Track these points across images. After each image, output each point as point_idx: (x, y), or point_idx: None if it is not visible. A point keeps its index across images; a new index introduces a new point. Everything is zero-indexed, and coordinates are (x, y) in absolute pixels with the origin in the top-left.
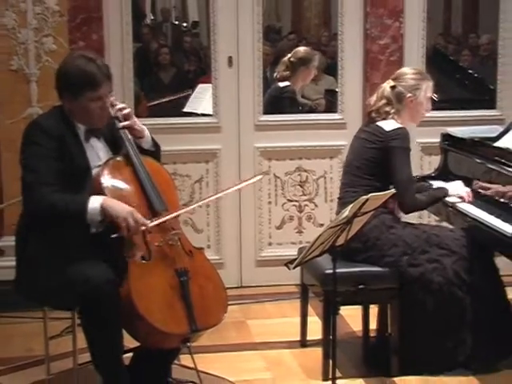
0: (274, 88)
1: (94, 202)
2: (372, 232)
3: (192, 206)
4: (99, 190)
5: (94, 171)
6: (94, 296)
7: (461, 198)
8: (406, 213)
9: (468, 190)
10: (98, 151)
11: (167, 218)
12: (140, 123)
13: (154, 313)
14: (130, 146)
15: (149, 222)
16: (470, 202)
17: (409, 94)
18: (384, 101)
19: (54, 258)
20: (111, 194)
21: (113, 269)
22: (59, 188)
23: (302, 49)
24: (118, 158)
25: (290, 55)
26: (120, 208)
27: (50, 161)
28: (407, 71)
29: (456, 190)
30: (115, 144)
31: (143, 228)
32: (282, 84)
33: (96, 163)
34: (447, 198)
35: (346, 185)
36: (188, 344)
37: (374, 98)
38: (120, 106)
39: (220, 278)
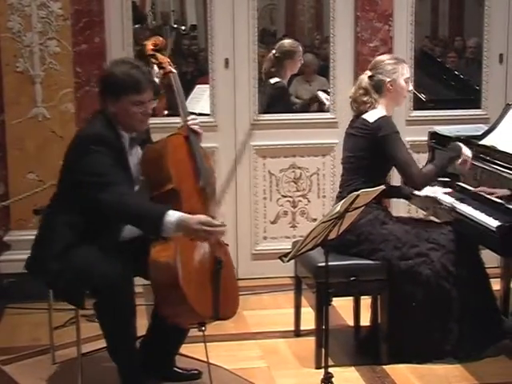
0: (265, 86)
1: (172, 216)
2: (366, 226)
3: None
4: (161, 160)
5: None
6: (108, 290)
7: (465, 161)
8: (420, 188)
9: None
10: (135, 156)
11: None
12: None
13: (191, 288)
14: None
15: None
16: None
17: (388, 79)
18: (361, 91)
19: (78, 245)
20: (172, 166)
21: (130, 263)
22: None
23: (286, 42)
24: (179, 136)
25: (274, 51)
26: (192, 228)
27: (115, 167)
28: (382, 58)
29: (467, 150)
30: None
31: (221, 229)
32: (272, 80)
33: (135, 169)
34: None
35: (345, 181)
36: (203, 328)
37: (352, 90)
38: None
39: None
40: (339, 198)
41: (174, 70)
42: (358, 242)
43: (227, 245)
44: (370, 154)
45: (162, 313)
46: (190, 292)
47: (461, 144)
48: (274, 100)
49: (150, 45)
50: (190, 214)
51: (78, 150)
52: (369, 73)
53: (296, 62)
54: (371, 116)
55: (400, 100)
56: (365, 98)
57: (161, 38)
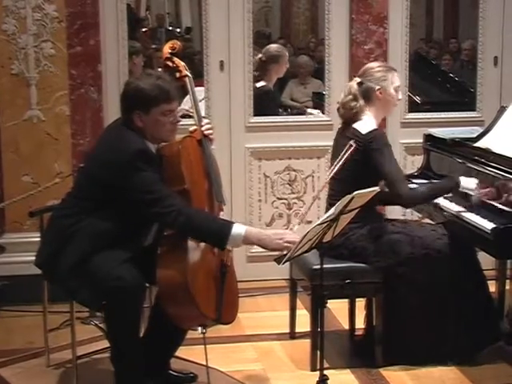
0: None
1: (238, 229)
2: (359, 241)
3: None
4: (177, 160)
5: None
6: (120, 294)
7: (472, 190)
8: (406, 206)
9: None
10: None
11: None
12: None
13: (197, 288)
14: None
15: (290, 233)
16: (485, 195)
17: (377, 87)
18: (350, 97)
19: (95, 252)
20: (186, 167)
21: (145, 274)
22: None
23: (272, 46)
24: (192, 139)
25: (261, 54)
26: (267, 240)
27: (160, 181)
28: (372, 66)
29: (468, 183)
30: None
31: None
32: (258, 84)
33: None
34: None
35: (336, 191)
36: (204, 330)
37: (341, 95)
38: (211, 130)
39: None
40: (331, 206)
41: (189, 74)
42: (351, 256)
43: (230, 250)
44: (361, 165)
45: (166, 312)
46: (197, 293)
47: (461, 177)
48: (260, 104)
49: (167, 48)
50: None
51: (126, 167)
52: (358, 79)
53: (281, 66)
54: (363, 127)
55: (390, 109)
56: (353, 104)
57: (178, 42)
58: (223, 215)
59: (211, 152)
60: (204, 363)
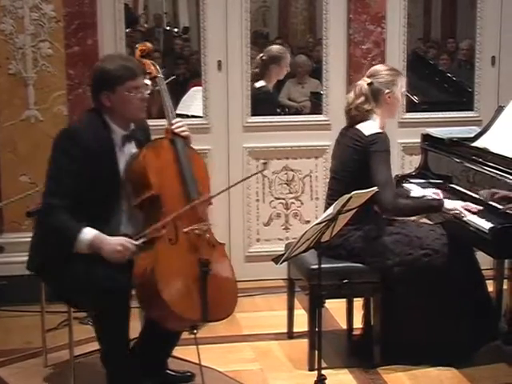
0: (251, 89)
1: (87, 234)
2: (357, 243)
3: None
4: (141, 167)
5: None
6: (106, 296)
7: (458, 212)
8: (387, 215)
9: (464, 204)
10: (128, 155)
11: (151, 228)
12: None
13: (171, 292)
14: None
15: (135, 243)
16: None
17: (387, 90)
18: (363, 98)
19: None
20: (152, 173)
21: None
22: (69, 205)
23: (274, 47)
24: (163, 141)
25: (262, 54)
26: (109, 249)
27: (72, 174)
28: (382, 68)
29: (453, 204)
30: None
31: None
32: (257, 84)
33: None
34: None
35: (334, 191)
36: (195, 331)
37: (351, 96)
38: (182, 128)
39: (234, 274)
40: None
41: (160, 75)
42: (349, 256)
43: (223, 244)
44: (360, 165)
45: (149, 318)
46: (171, 299)
47: (447, 200)
48: (258, 104)
49: (137, 51)
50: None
51: (52, 148)
52: (368, 80)
53: (282, 68)
54: (367, 128)
55: (393, 112)
56: (366, 106)
57: (148, 44)
58: (209, 211)
59: (185, 150)
60: (202, 363)
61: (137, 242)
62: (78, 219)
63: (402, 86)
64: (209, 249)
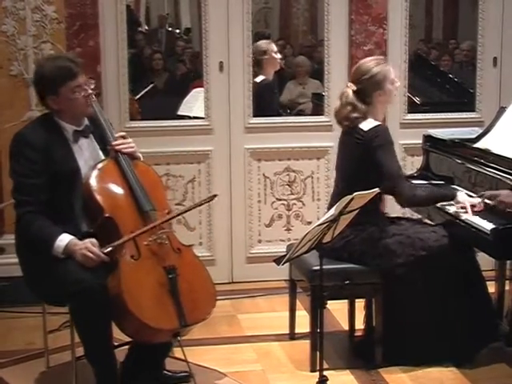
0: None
1: (62, 241)
2: (359, 245)
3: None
4: (89, 193)
5: (85, 172)
6: (83, 296)
7: (464, 207)
8: (405, 206)
9: (472, 201)
10: (87, 151)
11: (121, 241)
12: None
13: (143, 309)
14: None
15: (102, 250)
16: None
17: (377, 91)
18: (349, 107)
19: (48, 255)
20: (100, 196)
21: (104, 269)
22: (41, 206)
23: (258, 43)
24: (107, 161)
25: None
26: (79, 253)
27: (34, 176)
28: (365, 67)
29: (463, 198)
30: (105, 139)
31: (97, 258)
32: (258, 79)
33: (89, 162)
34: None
35: (339, 188)
36: (178, 338)
37: (337, 104)
38: (122, 145)
39: (208, 273)
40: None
41: (93, 97)
42: (350, 258)
43: (191, 245)
44: (365, 164)
45: (132, 339)
46: (144, 315)
47: (460, 192)
48: (262, 97)
49: None
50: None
51: (9, 154)
52: (353, 86)
53: (271, 56)
54: (365, 124)
55: (390, 102)
56: (354, 114)
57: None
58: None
59: (130, 165)
60: (202, 363)
61: (104, 250)
62: (48, 216)
63: (390, 77)
64: (174, 254)
